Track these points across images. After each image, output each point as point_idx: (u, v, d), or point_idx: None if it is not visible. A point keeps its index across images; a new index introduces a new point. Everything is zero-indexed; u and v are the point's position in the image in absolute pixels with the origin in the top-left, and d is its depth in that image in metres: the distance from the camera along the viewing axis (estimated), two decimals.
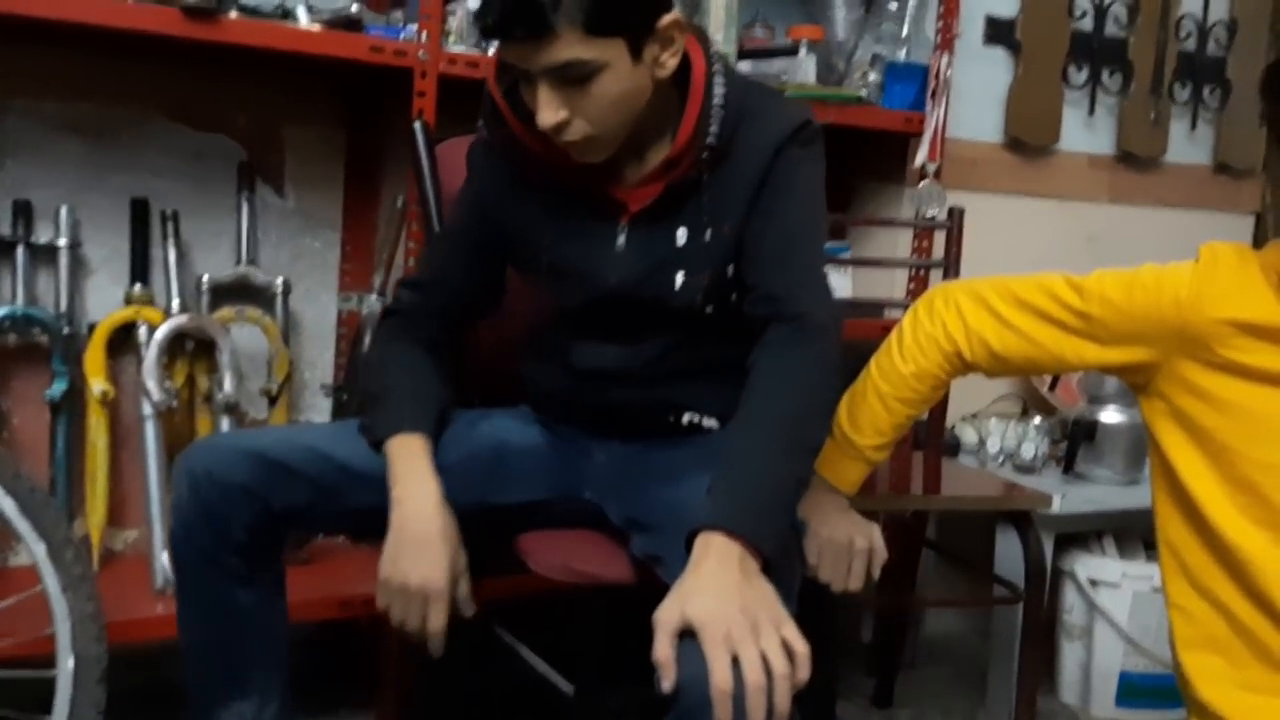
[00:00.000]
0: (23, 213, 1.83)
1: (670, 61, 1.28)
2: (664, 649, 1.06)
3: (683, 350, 1.41)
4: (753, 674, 1.03)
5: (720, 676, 1.02)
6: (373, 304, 1.99)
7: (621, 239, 1.37)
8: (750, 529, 1.13)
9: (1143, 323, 1.23)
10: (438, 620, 1.26)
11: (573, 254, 1.39)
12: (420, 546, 1.27)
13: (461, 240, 1.49)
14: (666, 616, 1.07)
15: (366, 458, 1.35)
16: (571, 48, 1.20)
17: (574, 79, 1.22)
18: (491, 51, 1.78)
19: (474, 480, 1.41)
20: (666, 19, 1.25)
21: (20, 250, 1.82)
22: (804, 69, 2.17)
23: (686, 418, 1.44)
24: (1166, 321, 1.21)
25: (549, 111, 1.23)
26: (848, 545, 1.37)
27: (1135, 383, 1.29)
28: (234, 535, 1.31)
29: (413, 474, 1.31)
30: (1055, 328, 1.28)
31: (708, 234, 1.35)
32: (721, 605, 1.06)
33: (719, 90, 1.32)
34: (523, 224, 1.41)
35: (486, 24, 1.22)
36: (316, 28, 1.78)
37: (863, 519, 1.40)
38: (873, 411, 1.37)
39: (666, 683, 1.05)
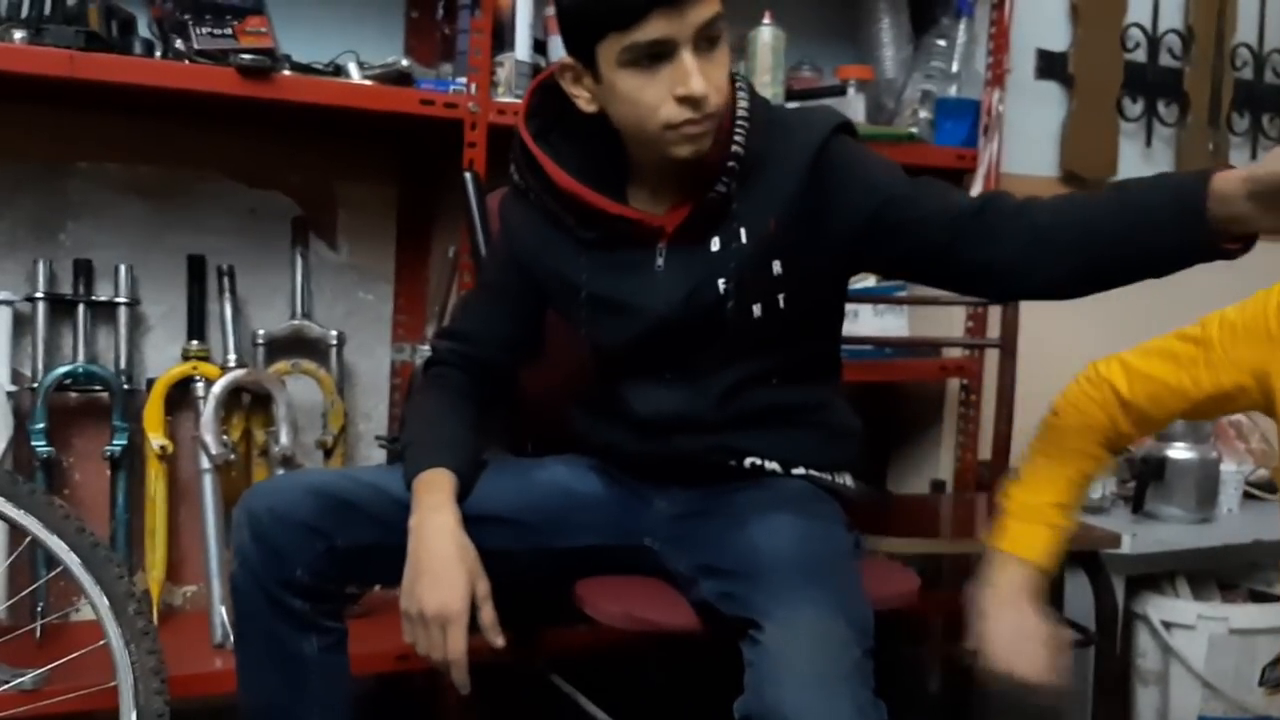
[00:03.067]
0: (83, 272, 1.86)
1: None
2: None
3: (745, 390, 1.38)
4: None
5: None
6: (426, 354, 1.99)
7: (660, 262, 1.35)
8: None
9: (1253, 333, 1.23)
10: (456, 645, 1.24)
11: (613, 287, 1.37)
12: (435, 573, 1.25)
13: (497, 290, 1.48)
14: None
15: None
16: (713, 2, 1.23)
17: (712, 40, 1.24)
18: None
19: (532, 527, 1.39)
20: None
21: (81, 309, 1.85)
22: (853, 108, 2.16)
23: (749, 462, 1.41)
24: (1271, 330, 1.21)
25: (701, 78, 1.23)
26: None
27: (1261, 408, 1.26)
28: (298, 576, 1.31)
29: (430, 503, 1.30)
30: (1173, 362, 1.28)
31: (743, 235, 1.33)
32: None
33: (742, 105, 1.32)
34: (558, 266, 1.40)
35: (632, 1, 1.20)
36: (368, 83, 1.80)
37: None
38: (1042, 468, 1.35)
39: None
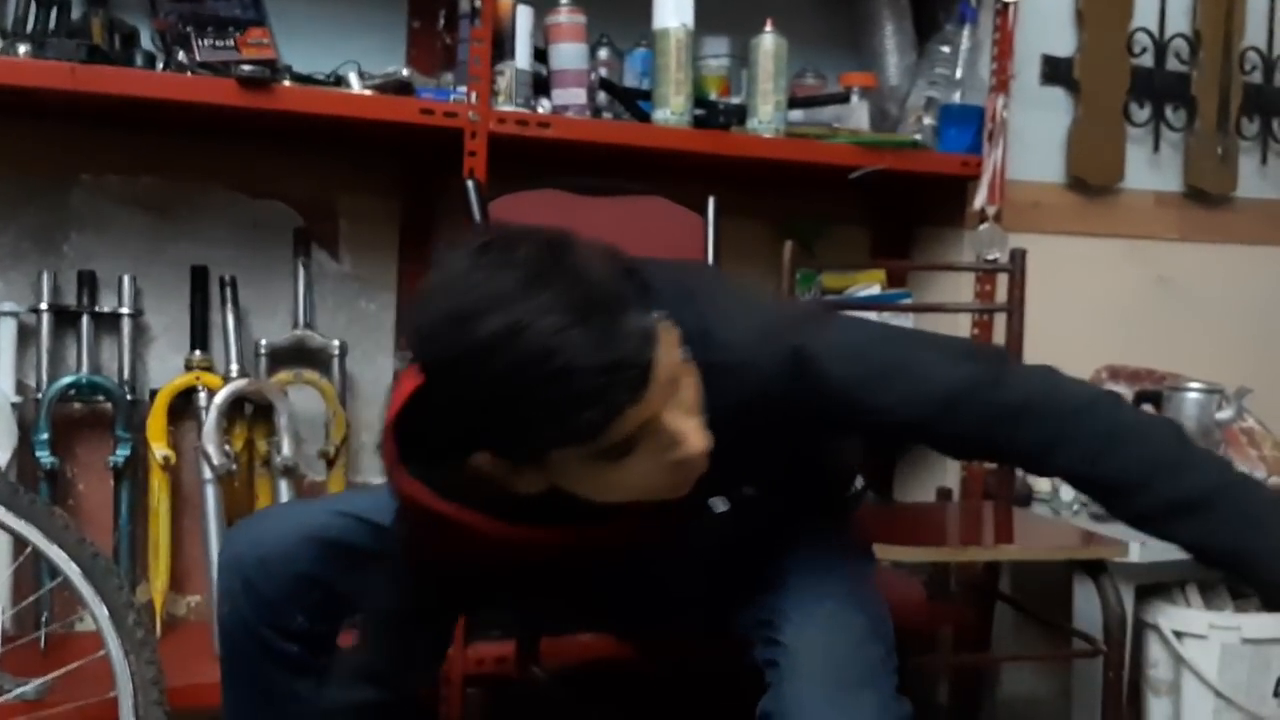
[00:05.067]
0: (87, 283, 1.87)
1: None
2: None
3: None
4: None
5: None
6: None
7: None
8: None
9: None
10: None
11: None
12: None
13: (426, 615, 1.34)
14: None
15: None
16: (666, 353, 0.99)
17: (675, 380, 1.02)
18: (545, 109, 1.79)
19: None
20: None
21: (85, 320, 1.86)
22: (856, 116, 2.15)
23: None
24: None
25: (696, 433, 1.02)
26: None
27: None
28: (294, 624, 1.27)
29: None
30: None
31: (718, 506, 1.19)
32: None
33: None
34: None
35: (593, 419, 0.95)
36: (368, 93, 1.80)
37: None
38: None
39: None
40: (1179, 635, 2.15)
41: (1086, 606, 1.97)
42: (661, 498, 1.06)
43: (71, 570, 1.54)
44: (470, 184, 1.72)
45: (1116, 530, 2.15)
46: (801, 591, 1.19)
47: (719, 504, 1.18)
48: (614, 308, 0.94)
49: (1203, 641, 2.14)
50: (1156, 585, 2.20)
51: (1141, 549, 2.06)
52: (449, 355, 0.95)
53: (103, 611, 1.54)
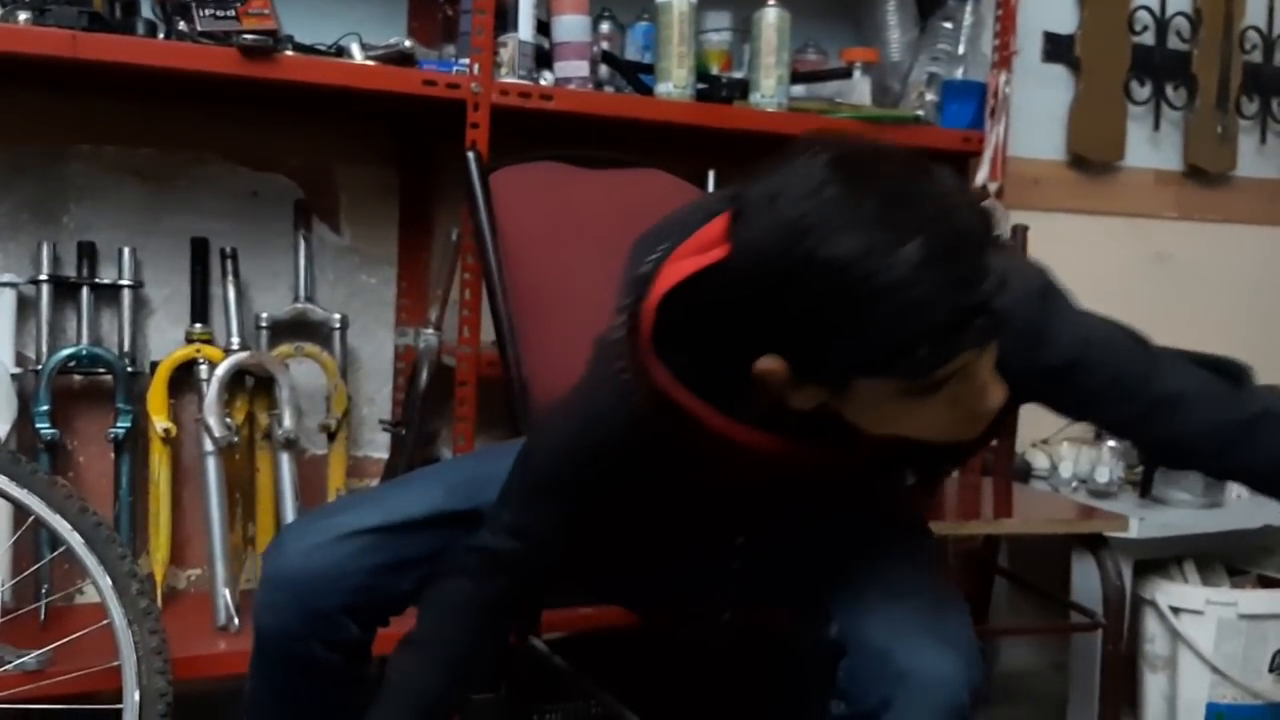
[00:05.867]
0: (87, 254, 1.86)
1: None
2: None
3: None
4: None
5: None
6: (429, 338, 1.99)
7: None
8: None
9: None
10: None
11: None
12: None
13: (579, 508, 1.21)
14: None
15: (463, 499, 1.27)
16: None
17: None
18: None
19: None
20: None
21: (85, 291, 1.85)
22: (858, 91, 2.15)
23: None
24: None
25: (1000, 387, 1.00)
26: None
27: None
28: (348, 635, 1.24)
29: None
30: None
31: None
32: None
33: None
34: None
35: (938, 355, 0.92)
36: (370, 64, 1.79)
37: None
38: None
39: None
40: (1176, 611, 2.17)
41: (1084, 582, 1.98)
42: (937, 439, 1.03)
43: (74, 540, 1.54)
44: (471, 155, 1.72)
45: (1115, 506, 2.17)
46: (877, 570, 1.19)
47: (910, 475, 1.17)
48: (976, 247, 0.91)
49: (1199, 617, 2.15)
50: (1154, 561, 2.22)
51: (1140, 524, 2.07)
52: (792, 260, 0.89)
53: (106, 581, 1.54)
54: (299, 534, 1.28)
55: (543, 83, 1.90)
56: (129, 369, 1.85)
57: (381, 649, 1.32)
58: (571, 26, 1.92)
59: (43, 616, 1.77)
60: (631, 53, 2.08)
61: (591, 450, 1.15)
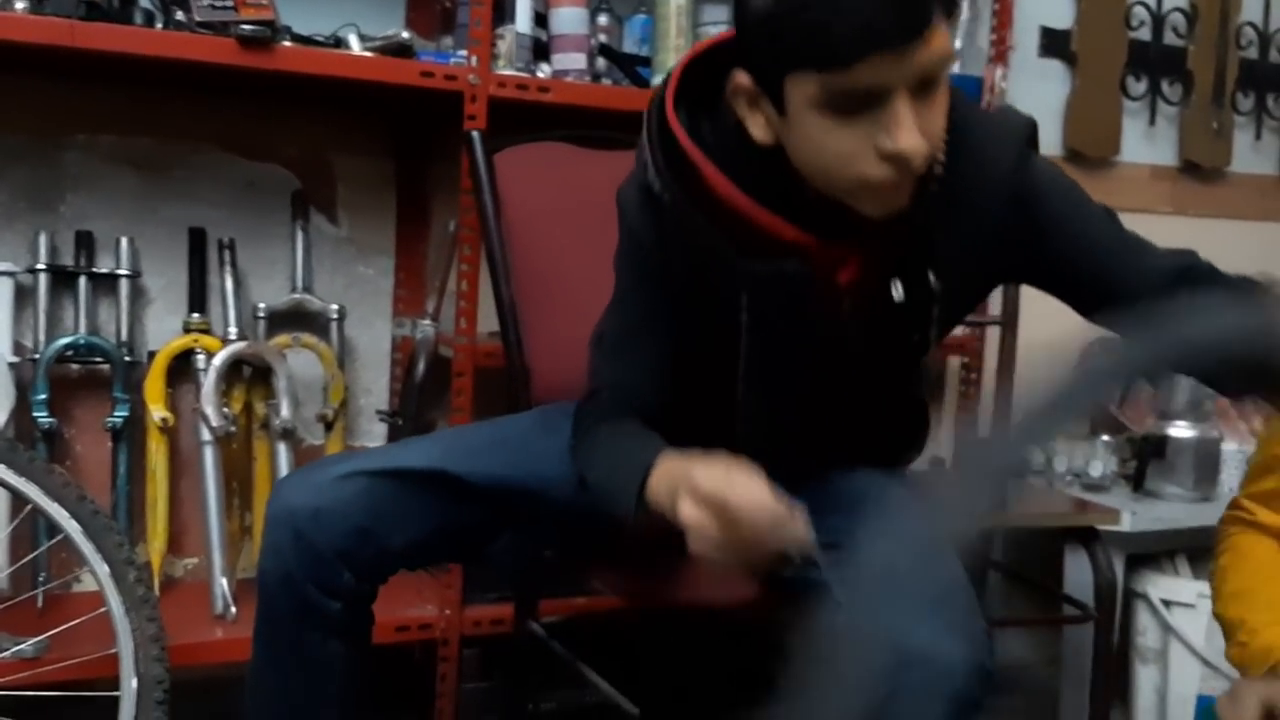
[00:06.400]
0: (84, 244, 1.86)
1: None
2: None
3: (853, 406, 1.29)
4: None
5: None
6: (426, 329, 2.00)
7: (845, 305, 1.19)
8: None
9: None
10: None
11: (781, 331, 1.19)
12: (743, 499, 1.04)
13: (646, 329, 1.25)
14: None
15: (484, 469, 1.28)
16: (940, 39, 0.99)
17: (930, 84, 1.01)
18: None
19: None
20: None
21: (82, 280, 1.85)
22: None
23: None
24: None
25: (916, 133, 1.00)
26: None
27: None
28: (343, 582, 1.24)
29: (675, 470, 1.10)
30: None
31: (932, 279, 1.17)
32: None
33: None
34: (707, 295, 1.19)
35: (847, 38, 0.96)
36: (368, 55, 1.80)
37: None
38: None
39: None
40: (1167, 604, 2.18)
41: (1077, 576, 1.99)
42: (867, 206, 1.07)
43: (72, 527, 1.54)
44: (475, 134, 1.72)
45: (1108, 500, 2.17)
46: (869, 516, 1.14)
47: (898, 289, 1.17)
48: None
49: (1191, 610, 2.16)
50: (1146, 555, 2.23)
51: (1132, 518, 2.08)
52: None
53: (103, 569, 1.54)
54: (300, 476, 1.32)
55: (540, 75, 1.91)
56: (126, 358, 1.86)
57: (380, 640, 1.33)
58: (569, 19, 1.93)
59: (40, 604, 1.78)
60: (629, 45, 2.08)
61: (632, 254, 1.23)
